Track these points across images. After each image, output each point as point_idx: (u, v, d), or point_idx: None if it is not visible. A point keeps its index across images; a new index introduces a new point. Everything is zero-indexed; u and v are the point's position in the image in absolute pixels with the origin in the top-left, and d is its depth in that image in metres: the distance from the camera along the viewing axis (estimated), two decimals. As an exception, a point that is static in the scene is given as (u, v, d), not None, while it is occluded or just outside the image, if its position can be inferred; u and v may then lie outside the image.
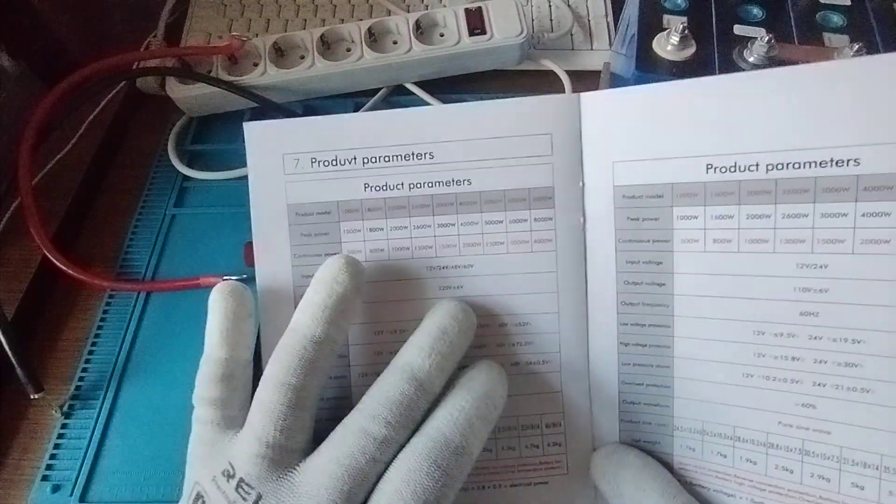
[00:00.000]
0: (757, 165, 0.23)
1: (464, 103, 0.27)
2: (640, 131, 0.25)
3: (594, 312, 0.26)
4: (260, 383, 0.24)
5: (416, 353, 0.23)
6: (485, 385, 0.24)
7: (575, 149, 0.26)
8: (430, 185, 0.27)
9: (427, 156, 0.26)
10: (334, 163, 0.27)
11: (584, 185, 0.26)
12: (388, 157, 0.27)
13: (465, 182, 0.26)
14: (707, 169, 0.24)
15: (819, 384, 0.23)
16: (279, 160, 0.27)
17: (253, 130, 0.27)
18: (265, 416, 0.22)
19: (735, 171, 0.23)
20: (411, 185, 0.27)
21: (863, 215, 0.22)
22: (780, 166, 0.23)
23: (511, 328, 0.27)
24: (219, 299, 0.26)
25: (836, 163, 0.22)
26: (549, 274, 0.26)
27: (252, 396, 0.24)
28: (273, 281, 0.27)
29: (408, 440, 0.22)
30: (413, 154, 0.26)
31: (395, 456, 0.22)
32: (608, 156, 0.26)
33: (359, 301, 0.25)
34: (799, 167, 0.22)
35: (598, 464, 0.26)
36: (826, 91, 0.22)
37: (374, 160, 0.27)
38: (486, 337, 0.26)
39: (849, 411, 0.22)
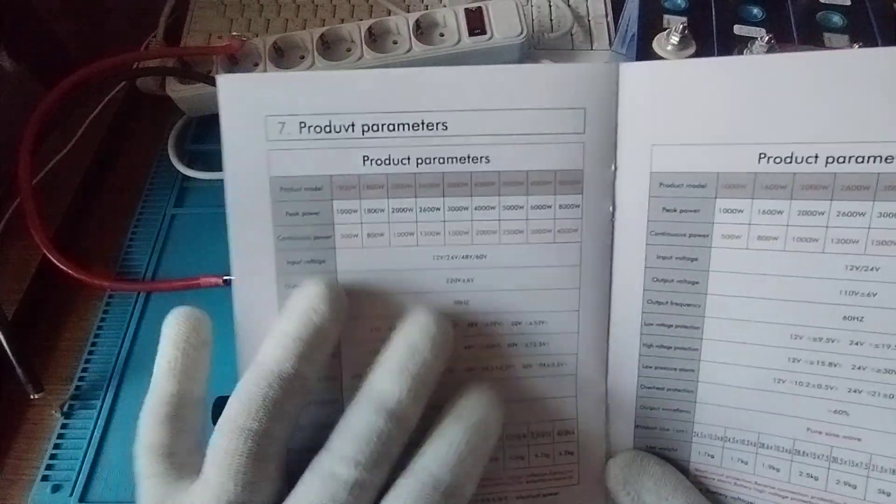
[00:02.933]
0: (816, 157, 0.21)
1: (486, 66, 0.23)
2: (685, 112, 0.22)
3: (617, 311, 0.24)
4: (216, 427, 0.20)
5: (384, 379, 0.20)
6: (477, 414, 0.21)
7: (609, 128, 0.23)
8: (441, 160, 0.23)
9: (440, 126, 0.23)
10: (328, 129, 0.22)
11: (616, 169, 0.23)
12: (393, 125, 0.22)
13: (483, 160, 0.23)
14: (760, 158, 0.22)
15: (855, 391, 0.22)
16: (260, 123, 0.22)
17: (228, 85, 0.22)
18: (223, 469, 0.19)
19: (791, 162, 0.21)
20: (419, 160, 0.23)
21: None
22: (841, 159, 0.21)
23: (525, 327, 0.24)
24: (170, 324, 0.22)
25: None
26: (572, 268, 0.24)
27: (206, 439, 0.21)
28: (251, 272, 0.23)
29: (388, 480, 0.20)
30: (423, 123, 0.23)
31: (376, 500, 0.20)
32: (646, 137, 0.23)
33: (337, 333, 0.22)
34: (862, 161, 0.21)
35: (615, 472, 0.24)
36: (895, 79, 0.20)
37: (375, 128, 0.22)
38: (498, 336, 0.24)
39: (883, 418, 0.21)
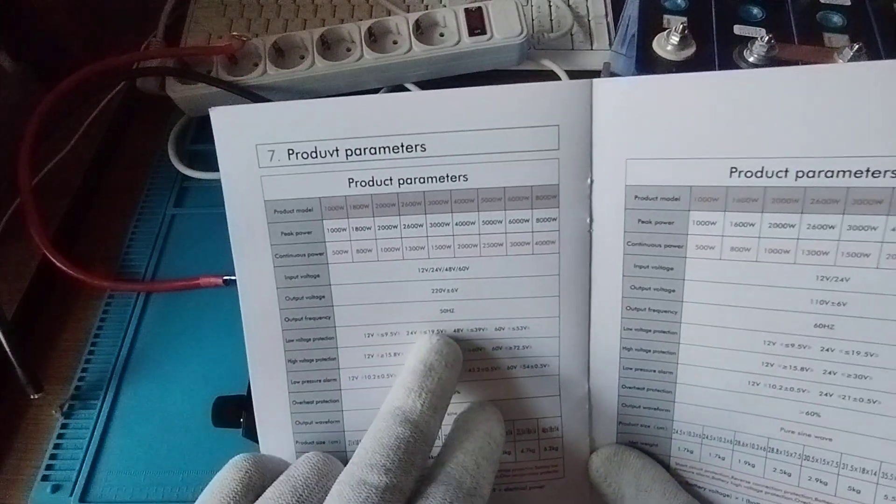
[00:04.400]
0: (786, 171, 0.22)
1: (461, 89, 0.24)
2: (658, 127, 0.23)
3: (597, 316, 0.25)
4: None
5: (405, 395, 0.22)
6: (483, 425, 0.23)
7: (584, 143, 0.24)
8: (421, 180, 0.24)
9: (418, 148, 0.24)
10: (314, 154, 0.24)
11: (592, 182, 0.24)
12: (375, 148, 0.24)
13: (461, 178, 0.24)
14: (731, 172, 0.22)
15: (826, 394, 0.22)
16: (252, 151, 0.24)
17: (221, 117, 0.24)
18: None
19: (762, 176, 0.22)
20: (401, 181, 0.24)
21: (893, 229, 0.21)
22: (810, 174, 0.21)
23: (508, 332, 0.25)
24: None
25: (872, 173, 0.21)
26: (551, 277, 0.25)
27: None
28: (255, 286, 0.25)
29: (414, 488, 0.21)
30: (402, 146, 0.24)
31: None
32: (621, 152, 0.24)
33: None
34: (832, 175, 0.21)
35: (597, 465, 0.26)
36: (868, 94, 0.20)
37: (358, 152, 0.24)
38: (483, 340, 0.25)
39: (853, 420, 0.22)
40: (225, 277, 0.38)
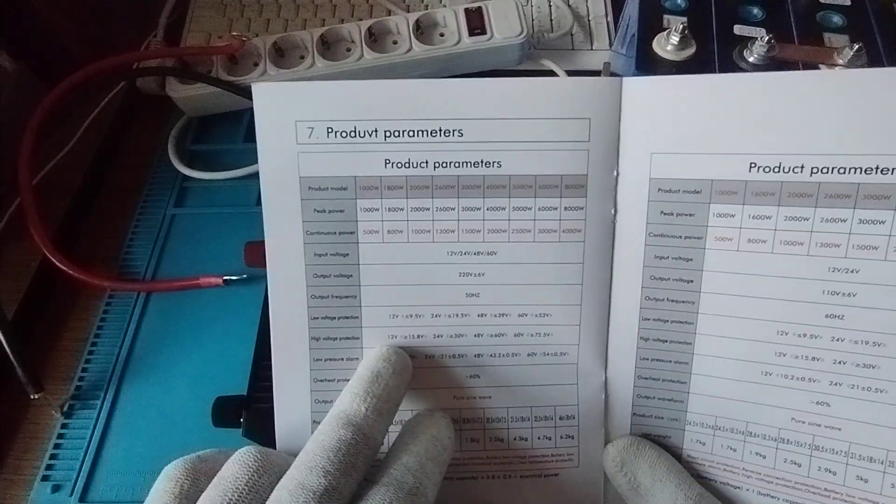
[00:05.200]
0: (802, 167, 0.23)
1: (499, 79, 0.25)
2: (682, 123, 0.24)
3: (617, 306, 0.26)
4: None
5: (350, 399, 0.22)
6: (430, 428, 0.23)
7: (612, 136, 0.25)
8: (456, 164, 0.25)
9: (456, 133, 0.24)
10: (353, 134, 0.24)
11: (618, 174, 0.25)
12: (413, 131, 0.24)
13: (495, 164, 0.25)
14: (750, 167, 0.24)
15: (835, 384, 0.23)
16: (291, 127, 0.24)
17: (262, 93, 0.24)
18: None
19: (779, 171, 0.23)
20: (437, 164, 0.25)
21: None
22: (824, 170, 0.23)
23: (531, 318, 0.26)
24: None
25: (882, 171, 0.22)
26: (576, 266, 0.26)
27: None
28: (284, 262, 0.25)
29: (355, 490, 0.21)
30: (441, 130, 0.24)
31: None
32: (646, 146, 0.25)
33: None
34: (844, 172, 0.22)
35: (613, 455, 0.26)
36: (880, 98, 0.22)
37: (397, 134, 0.24)
38: (505, 326, 0.26)
39: (861, 409, 0.23)
40: (225, 277, 0.38)
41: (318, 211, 0.25)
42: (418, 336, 0.26)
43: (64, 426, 0.34)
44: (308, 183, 0.25)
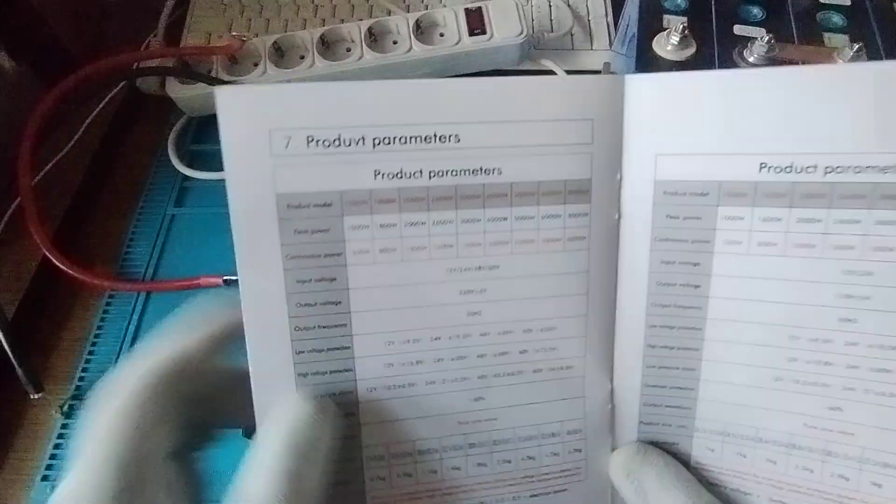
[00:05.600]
0: (815, 167, 0.22)
1: (496, 78, 0.23)
2: (688, 123, 0.23)
3: (622, 313, 0.25)
4: None
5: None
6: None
7: (616, 138, 0.24)
8: (453, 173, 0.22)
9: (452, 138, 0.22)
10: (337, 143, 0.22)
11: (621, 177, 0.24)
12: (405, 138, 0.22)
13: (495, 171, 0.23)
14: (761, 168, 0.23)
15: (849, 388, 0.23)
16: (265, 137, 0.21)
17: (227, 97, 0.21)
18: None
19: (791, 171, 0.22)
20: (432, 173, 0.22)
21: None
22: (839, 169, 0.22)
23: (536, 333, 0.24)
24: None
25: None
26: (581, 274, 0.24)
27: None
28: (260, 293, 0.22)
29: None
30: (435, 136, 0.22)
31: None
32: (651, 147, 0.23)
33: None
34: (859, 171, 0.22)
35: (619, 464, 0.25)
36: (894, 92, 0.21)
37: (387, 141, 0.22)
38: (509, 344, 0.24)
39: (874, 414, 0.22)
40: (225, 277, 0.38)
41: (298, 232, 0.22)
42: (417, 362, 0.24)
43: (64, 426, 0.34)
44: (286, 200, 0.22)
